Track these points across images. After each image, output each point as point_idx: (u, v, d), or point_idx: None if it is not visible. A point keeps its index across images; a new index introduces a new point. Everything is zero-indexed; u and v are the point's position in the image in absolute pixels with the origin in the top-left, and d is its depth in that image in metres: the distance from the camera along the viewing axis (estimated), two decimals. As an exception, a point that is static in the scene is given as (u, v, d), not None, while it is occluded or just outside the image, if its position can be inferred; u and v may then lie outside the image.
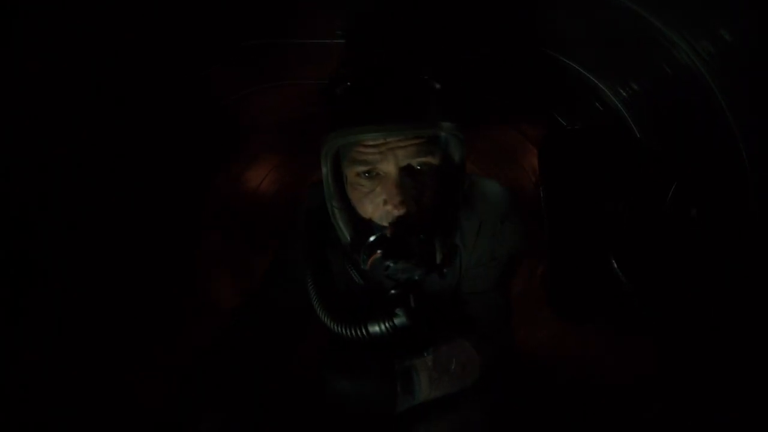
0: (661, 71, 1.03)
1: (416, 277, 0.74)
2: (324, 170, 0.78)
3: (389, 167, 0.74)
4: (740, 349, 1.02)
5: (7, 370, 1.07)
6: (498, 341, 0.89)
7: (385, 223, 0.76)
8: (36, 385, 1.12)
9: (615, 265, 1.24)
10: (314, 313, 0.79)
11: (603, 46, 1.09)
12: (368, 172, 0.75)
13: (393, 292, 0.74)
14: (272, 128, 1.80)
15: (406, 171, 0.74)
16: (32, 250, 1.18)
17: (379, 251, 0.73)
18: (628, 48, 1.04)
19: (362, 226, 0.79)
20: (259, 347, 0.89)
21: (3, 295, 1.10)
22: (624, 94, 1.16)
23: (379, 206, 0.76)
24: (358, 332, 0.72)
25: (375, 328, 0.72)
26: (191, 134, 1.49)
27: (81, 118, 1.17)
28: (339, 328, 0.74)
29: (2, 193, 1.11)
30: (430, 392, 0.76)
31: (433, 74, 0.76)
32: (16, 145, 1.12)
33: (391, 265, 0.73)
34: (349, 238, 0.80)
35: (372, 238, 0.75)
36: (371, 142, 0.72)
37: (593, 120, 1.29)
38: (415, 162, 0.75)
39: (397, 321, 0.71)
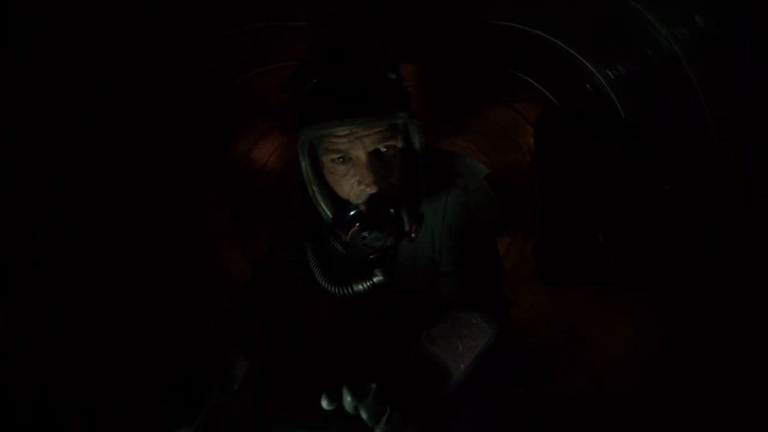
0: (643, 54, 1.09)
1: (388, 244, 0.85)
2: (302, 159, 0.88)
3: (359, 153, 0.84)
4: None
5: (8, 369, 1.06)
6: (495, 303, 0.97)
7: (360, 201, 0.87)
8: (36, 385, 1.11)
9: (601, 237, 1.29)
10: (314, 280, 0.91)
11: (593, 30, 1.15)
12: (342, 158, 0.85)
13: (371, 257, 0.86)
14: (277, 109, 1.84)
15: (374, 154, 0.85)
16: (32, 250, 1.18)
17: (357, 224, 0.85)
18: (614, 32, 1.10)
19: (340, 204, 0.90)
20: (267, 312, 1.00)
21: (3, 294, 1.10)
22: (611, 75, 1.22)
23: (353, 186, 0.87)
24: (346, 291, 0.85)
25: (358, 287, 0.84)
26: (199, 118, 1.51)
27: (81, 115, 1.18)
28: (333, 289, 0.86)
29: (2, 193, 1.11)
30: (461, 367, 0.80)
31: (389, 66, 0.87)
32: (16, 145, 1.13)
33: (367, 235, 0.84)
34: (330, 216, 0.90)
35: (350, 214, 0.86)
36: (341, 133, 0.83)
37: (585, 100, 1.35)
38: (381, 146, 0.85)
39: (375, 279, 0.83)
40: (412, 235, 0.89)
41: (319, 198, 0.90)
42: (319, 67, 0.86)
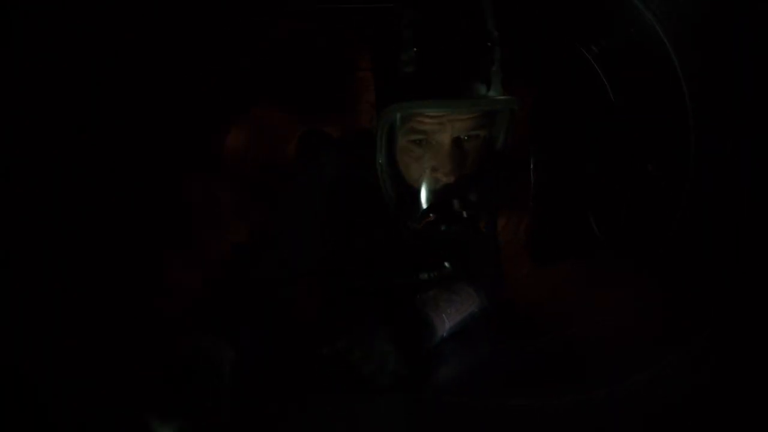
0: (625, 31, 1.14)
1: (461, 237, 0.82)
2: (379, 137, 0.80)
3: (444, 138, 0.78)
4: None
5: (7, 369, 1.05)
6: (490, 281, 1.01)
7: (431, 188, 0.83)
8: (36, 385, 1.09)
9: (591, 219, 1.33)
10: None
11: (579, 9, 1.20)
12: (422, 140, 0.80)
13: (441, 248, 0.87)
14: (278, 95, 1.87)
15: (456, 142, 0.80)
16: (32, 250, 1.18)
17: (431, 215, 0.81)
18: (600, 10, 1.15)
19: (407, 188, 0.86)
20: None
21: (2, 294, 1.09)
22: (596, 52, 1.25)
23: (425, 171, 0.82)
24: (408, 278, 0.87)
25: (424, 275, 0.87)
26: (200, 105, 1.54)
27: (81, 114, 1.20)
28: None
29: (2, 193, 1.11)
30: (446, 324, 0.85)
31: (494, 24, 0.78)
32: (16, 145, 1.14)
33: (444, 228, 0.81)
34: (395, 200, 0.86)
35: (425, 205, 0.83)
36: (433, 114, 0.76)
37: (576, 80, 1.38)
38: (465, 134, 0.80)
39: (443, 271, 0.87)
40: (484, 230, 0.87)
41: (388, 181, 0.84)
42: (424, 34, 0.74)
